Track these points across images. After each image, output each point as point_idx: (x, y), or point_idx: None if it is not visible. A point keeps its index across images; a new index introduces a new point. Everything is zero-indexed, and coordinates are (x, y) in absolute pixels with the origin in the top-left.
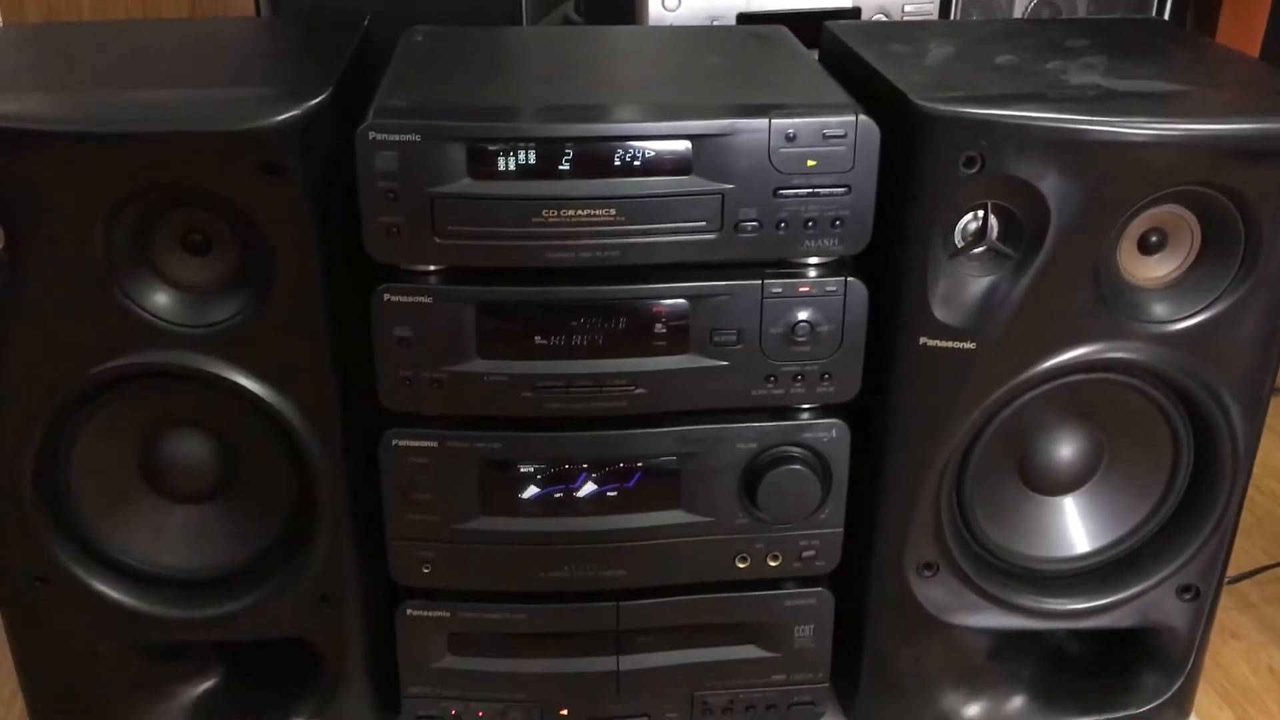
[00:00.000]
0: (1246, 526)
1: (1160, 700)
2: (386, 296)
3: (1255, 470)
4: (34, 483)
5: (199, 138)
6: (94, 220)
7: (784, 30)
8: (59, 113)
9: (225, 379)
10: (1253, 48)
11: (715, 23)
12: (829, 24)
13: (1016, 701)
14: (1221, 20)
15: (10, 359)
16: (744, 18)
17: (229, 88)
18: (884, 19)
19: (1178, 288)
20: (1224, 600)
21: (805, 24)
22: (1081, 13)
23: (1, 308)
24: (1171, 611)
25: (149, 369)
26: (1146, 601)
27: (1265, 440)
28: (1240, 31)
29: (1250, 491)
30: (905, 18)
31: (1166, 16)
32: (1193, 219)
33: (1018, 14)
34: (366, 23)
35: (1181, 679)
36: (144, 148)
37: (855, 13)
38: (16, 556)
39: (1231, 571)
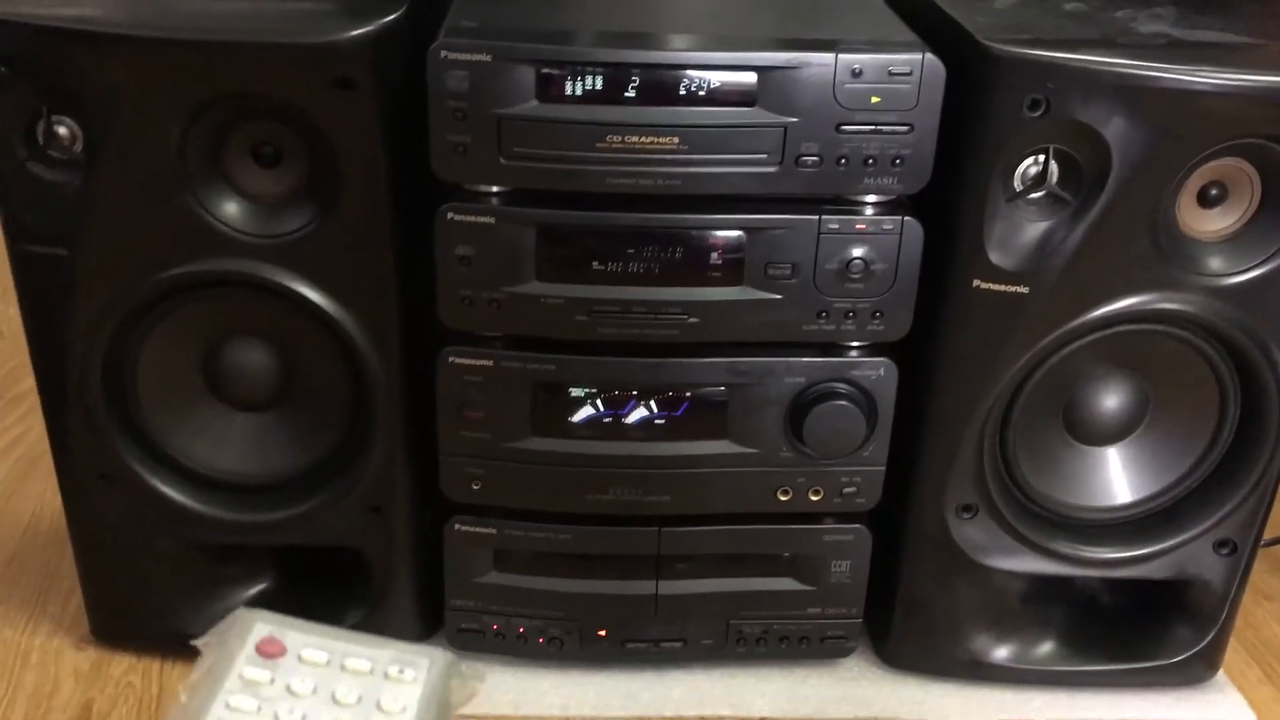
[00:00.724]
0: None
1: (1190, 653)
2: (450, 215)
3: None
4: (102, 383)
5: (276, 49)
6: (170, 126)
7: None
8: (141, 18)
9: (289, 289)
10: None
11: None
12: None
13: (1046, 646)
14: None
15: (82, 261)
16: None
17: (306, 2)
18: None
19: (1235, 241)
20: (1259, 563)
21: None
22: None
23: (75, 208)
24: (1207, 565)
25: (216, 276)
26: (1183, 554)
27: None
28: None
29: None
30: None
31: None
32: (1254, 172)
33: None
34: None
35: (1213, 633)
36: (222, 56)
37: None
38: (83, 454)
39: (1269, 535)
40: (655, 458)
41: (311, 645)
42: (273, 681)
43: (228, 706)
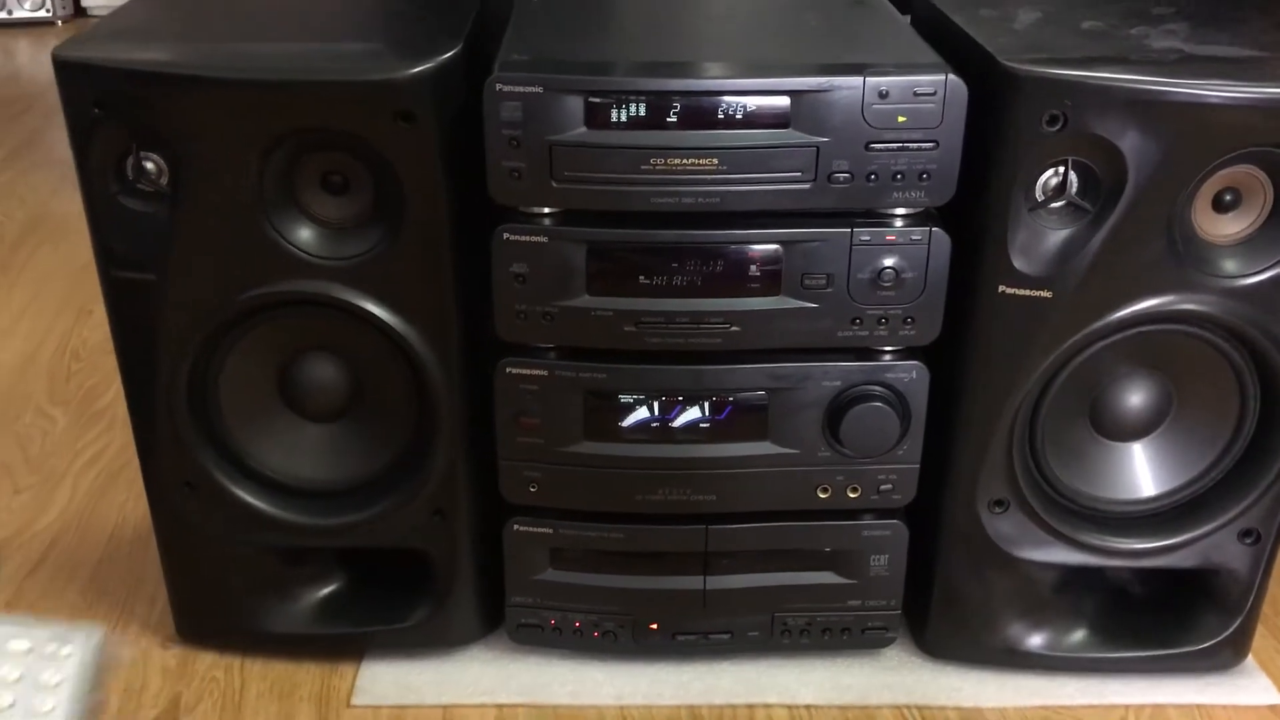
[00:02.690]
0: None
1: (1217, 639)
2: (506, 235)
3: None
4: (186, 397)
5: (343, 86)
6: (247, 159)
7: None
8: (220, 61)
9: (358, 307)
10: None
11: None
12: None
13: (1078, 635)
14: None
15: (169, 285)
16: None
17: (368, 43)
18: None
19: (1249, 244)
20: None
21: None
22: None
23: (162, 237)
24: (1232, 554)
25: (291, 297)
26: (1208, 544)
27: None
28: None
29: None
30: None
31: None
32: (1266, 179)
33: None
34: None
35: (1240, 620)
36: (295, 95)
37: None
38: (168, 464)
39: None
40: (701, 459)
41: None
42: None
43: None
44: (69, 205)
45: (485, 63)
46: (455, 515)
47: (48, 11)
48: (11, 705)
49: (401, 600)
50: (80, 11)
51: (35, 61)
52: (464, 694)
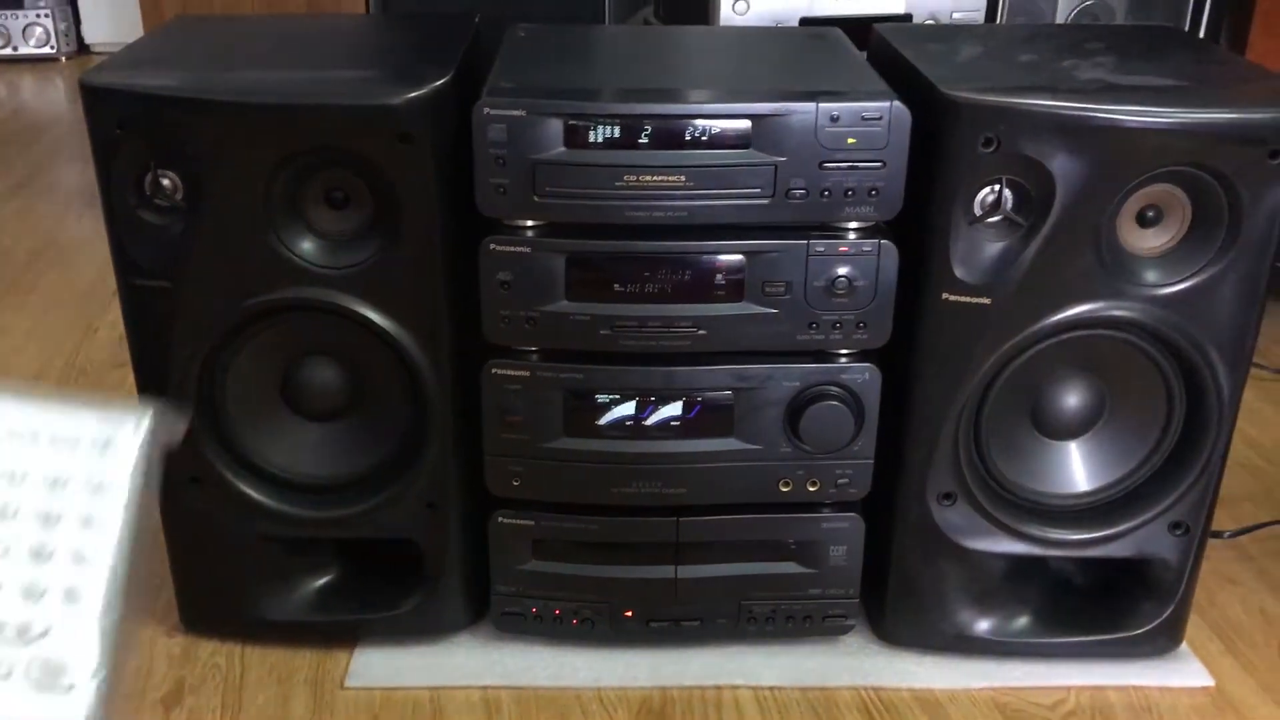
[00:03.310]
0: (1254, 492)
1: (1153, 626)
2: (492, 246)
3: (1268, 444)
4: (196, 397)
5: (347, 110)
6: (257, 177)
7: (838, 32)
8: (234, 87)
9: (356, 313)
10: None
11: (779, 25)
12: (877, 26)
13: (1023, 620)
14: (1252, 34)
15: (182, 292)
16: (805, 21)
17: (368, 70)
18: (934, 23)
19: (1170, 256)
20: (1225, 552)
21: (862, 28)
22: (1120, 19)
23: (177, 247)
24: (1164, 545)
25: (294, 303)
26: (1141, 535)
27: (1278, 418)
28: (1271, 44)
29: (1261, 463)
30: (954, 21)
31: (1202, 27)
32: (1184, 197)
33: (1060, 19)
34: (477, 20)
35: (1173, 607)
36: (302, 118)
37: (907, 18)
38: (177, 459)
39: (1234, 526)
40: (671, 454)
41: (15, 418)
42: None
43: None
44: (74, 231)
45: (475, 89)
46: (445, 508)
47: (52, 48)
48: (56, 502)
49: (393, 590)
50: (84, 48)
51: (40, 96)
52: (451, 678)
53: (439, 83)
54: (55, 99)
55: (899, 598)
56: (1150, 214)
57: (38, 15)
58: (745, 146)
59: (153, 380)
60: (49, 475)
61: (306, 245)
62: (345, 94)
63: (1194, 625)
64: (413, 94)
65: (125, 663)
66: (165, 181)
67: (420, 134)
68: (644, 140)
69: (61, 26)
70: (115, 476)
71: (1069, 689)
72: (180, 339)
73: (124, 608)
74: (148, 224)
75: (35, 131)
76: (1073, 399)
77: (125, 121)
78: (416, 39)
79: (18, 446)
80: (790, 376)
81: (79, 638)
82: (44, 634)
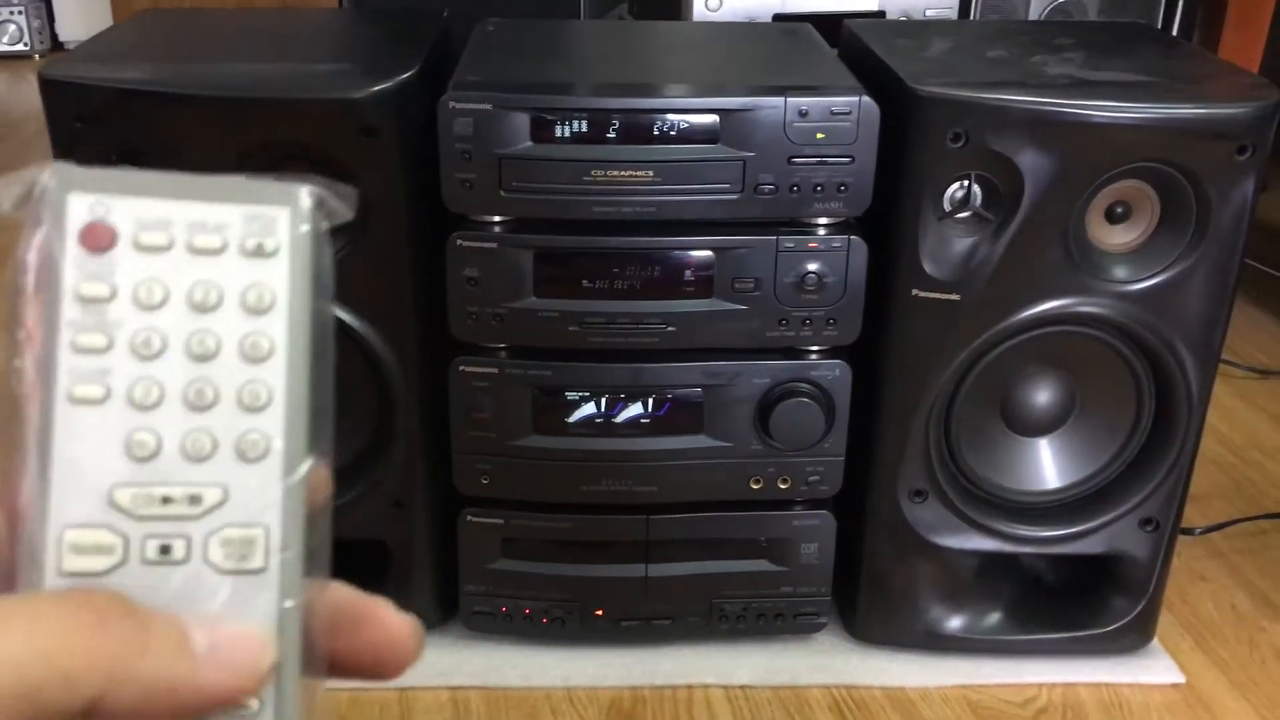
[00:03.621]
0: (1226, 489)
1: (1124, 622)
2: (459, 242)
3: (1239, 441)
4: None
5: (310, 104)
6: (219, 172)
7: (809, 28)
8: (195, 80)
9: None
10: (1254, 57)
11: (752, 20)
12: (848, 22)
13: (994, 617)
14: (1225, 31)
15: None
16: (779, 17)
17: (334, 64)
18: (905, 19)
19: (1139, 253)
20: (1196, 549)
21: (835, 23)
22: (1093, 16)
23: None
24: (1134, 541)
25: None
26: (1112, 532)
27: (1249, 415)
28: (1243, 41)
29: (1232, 459)
30: (927, 17)
31: (1175, 24)
32: (1153, 193)
33: (1033, 16)
34: (446, 14)
35: (1144, 604)
36: (264, 111)
37: (880, 14)
38: None
39: (1204, 523)
40: (641, 452)
41: (146, 222)
42: (113, 296)
43: (76, 349)
44: None
45: (442, 83)
46: (413, 507)
47: (25, 45)
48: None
49: (361, 589)
50: (57, 45)
51: (12, 93)
52: (419, 677)
53: (404, 76)
54: (28, 96)
55: (870, 595)
56: (1119, 210)
57: (11, 12)
58: (714, 141)
59: None
60: (191, 292)
61: None
62: (308, 87)
63: (1165, 622)
64: (377, 87)
65: (321, 533)
66: None
67: (385, 128)
68: (611, 135)
69: (35, 24)
70: (274, 284)
71: (1040, 686)
72: None
73: (312, 459)
74: None
75: (6, 129)
76: (1043, 396)
77: (84, 115)
78: (384, 33)
79: (148, 257)
80: (760, 373)
81: (262, 503)
82: (220, 504)
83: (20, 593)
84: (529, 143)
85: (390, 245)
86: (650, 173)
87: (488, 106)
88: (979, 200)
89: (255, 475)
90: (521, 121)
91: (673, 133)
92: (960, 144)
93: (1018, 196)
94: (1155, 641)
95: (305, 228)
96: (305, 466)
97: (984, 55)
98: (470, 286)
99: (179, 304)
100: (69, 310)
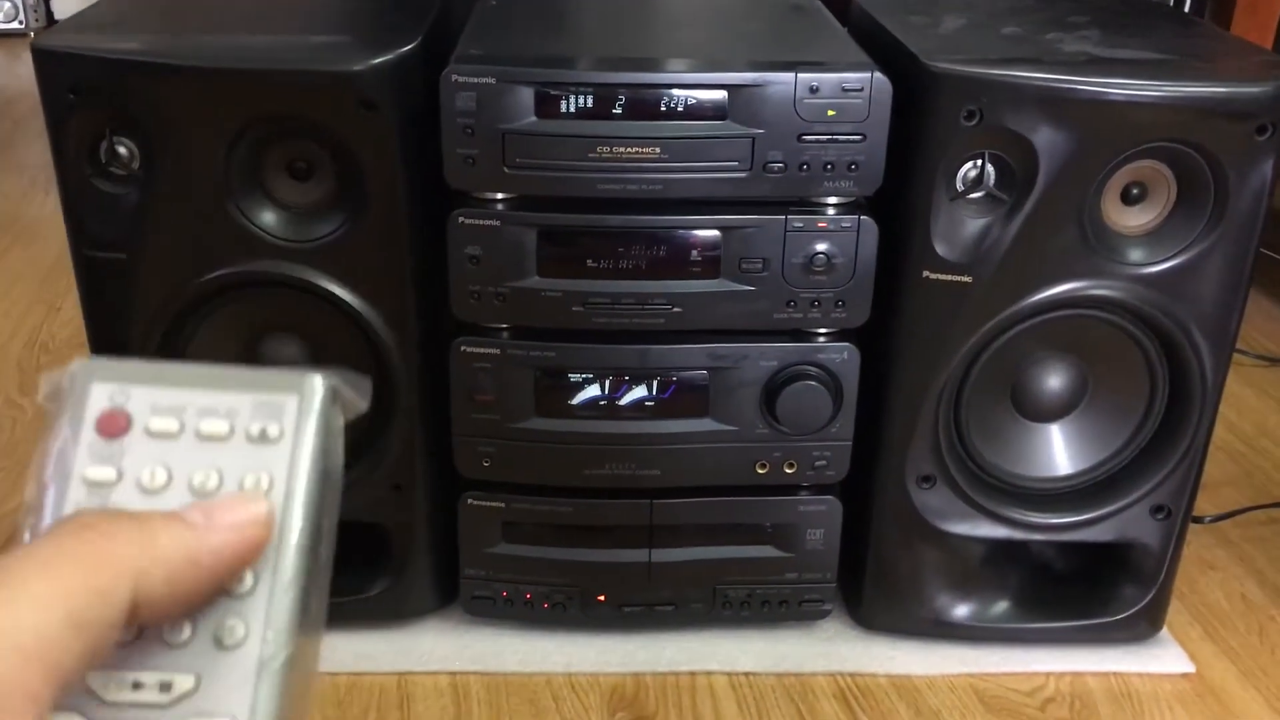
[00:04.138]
0: (1235, 476)
1: (1133, 611)
2: (460, 219)
3: (1248, 429)
4: None
5: (308, 76)
6: (216, 145)
7: (817, 3)
8: (191, 51)
9: (321, 288)
10: (1265, 39)
11: None
12: None
13: (1002, 605)
14: (1236, 12)
15: (139, 265)
16: None
17: (333, 35)
18: None
19: (1155, 234)
20: (1206, 537)
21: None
22: None
23: (133, 218)
24: (1145, 529)
25: (255, 278)
26: (1123, 519)
27: (1259, 403)
28: (1254, 23)
29: (1242, 448)
30: None
31: (1187, 3)
32: (1170, 174)
33: None
34: None
35: (1154, 592)
36: (262, 83)
37: None
38: None
39: (1214, 511)
40: (645, 435)
41: (160, 408)
42: (119, 479)
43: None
44: (38, 208)
45: (443, 57)
46: (412, 490)
47: (20, 23)
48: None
49: (360, 574)
50: (53, 23)
51: (7, 72)
52: (419, 663)
53: (405, 49)
54: (22, 74)
55: (876, 582)
56: (1135, 191)
57: None
58: (722, 118)
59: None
60: (193, 476)
61: (268, 217)
62: (306, 59)
63: (1174, 611)
64: (376, 60)
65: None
66: (121, 149)
67: (384, 102)
68: (618, 110)
69: (30, 1)
70: (274, 469)
71: (1048, 675)
72: (137, 314)
73: (292, 647)
74: (103, 193)
75: (0, 107)
76: (1054, 380)
77: (79, 87)
78: (385, 6)
79: (158, 443)
80: (767, 356)
81: (234, 693)
82: (191, 692)
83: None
84: (533, 118)
85: (390, 222)
86: (657, 149)
87: (491, 80)
88: (992, 180)
89: (231, 663)
90: (526, 96)
91: (680, 109)
92: (974, 122)
93: (1032, 176)
94: (1165, 631)
95: (314, 415)
96: (284, 655)
97: (998, 32)
98: (472, 265)
99: (180, 487)
100: (75, 492)
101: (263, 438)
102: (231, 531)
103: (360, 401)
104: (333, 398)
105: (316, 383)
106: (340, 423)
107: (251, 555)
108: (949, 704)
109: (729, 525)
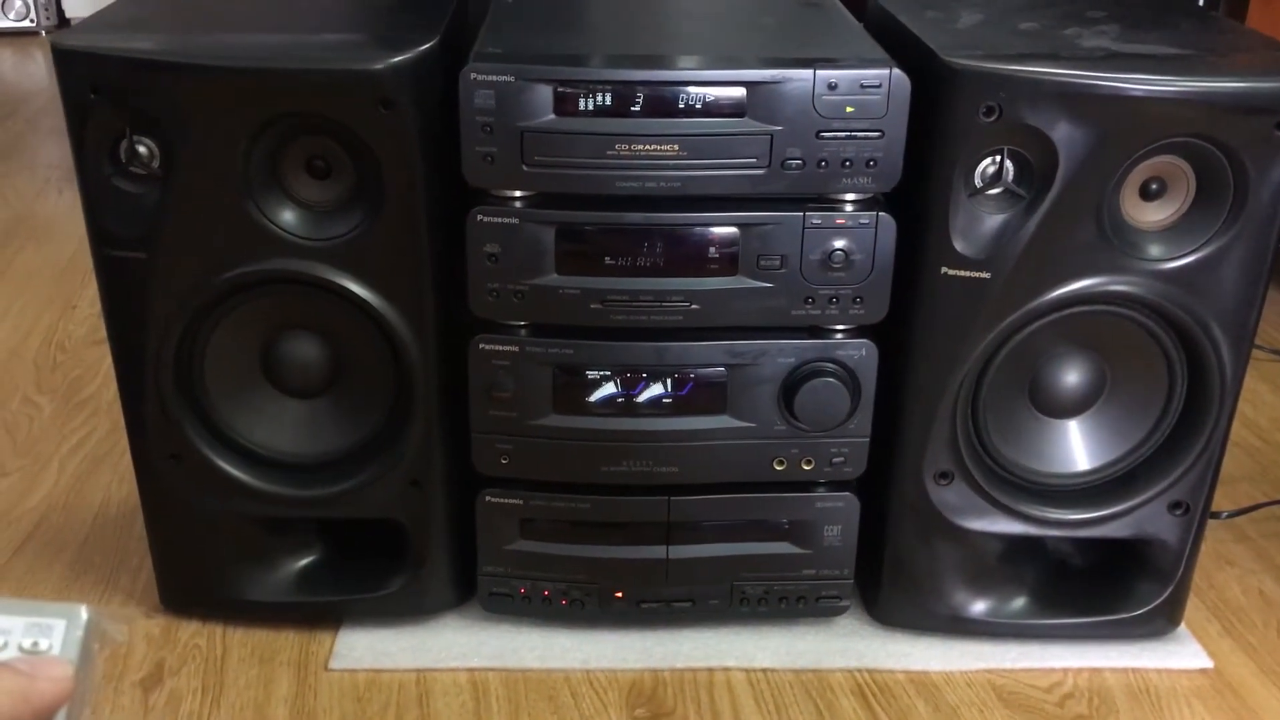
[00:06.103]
0: (1251, 472)
1: (1151, 607)
2: (479, 217)
3: (1265, 425)
4: (173, 372)
5: (327, 74)
6: (235, 144)
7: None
8: (211, 50)
9: (340, 286)
10: None
11: None
12: None
13: (1019, 602)
14: (1251, 5)
15: (159, 263)
16: None
17: (352, 34)
18: None
19: (1174, 230)
20: (1223, 533)
21: None
22: None
23: (153, 217)
24: (1163, 525)
25: (274, 275)
26: (1140, 515)
27: (1274, 399)
28: (1270, 17)
29: (1258, 443)
30: None
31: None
32: (1189, 169)
33: None
34: None
35: (1172, 588)
36: (281, 82)
37: None
38: (156, 437)
39: (1231, 506)
40: (663, 432)
41: None
42: None
43: None
44: (53, 207)
45: (462, 55)
46: (430, 486)
47: (32, 21)
48: None
49: (378, 570)
50: (64, 22)
51: (19, 70)
52: (437, 659)
53: (424, 47)
54: (34, 73)
55: (894, 578)
56: (1154, 186)
57: None
58: (740, 115)
59: (129, 355)
60: None
61: (287, 215)
62: (325, 58)
63: (1192, 606)
64: (395, 58)
65: None
66: (141, 148)
67: (403, 100)
68: (636, 108)
69: (41, 0)
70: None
71: (1066, 671)
72: (156, 311)
73: None
74: (123, 192)
75: (13, 105)
76: (1072, 376)
77: (99, 86)
78: (403, 4)
79: None
80: (785, 352)
81: None
82: None
83: None
84: (551, 115)
85: (408, 220)
86: (675, 147)
87: (510, 78)
88: (1011, 176)
89: None
90: (544, 94)
91: (699, 106)
92: (993, 118)
93: (1051, 172)
94: (1183, 626)
95: (78, 636)
96: None
97: (1016, 27)
98: (490, 263)
99: None
100: None
101: (34, 650)
102: (52, 681)
103: (118, 634)
104: (95, 627)
105: (82, 612)
106: (97, 649)
107: (61, 702)
108: (967, 700)
109: (746, 522)
